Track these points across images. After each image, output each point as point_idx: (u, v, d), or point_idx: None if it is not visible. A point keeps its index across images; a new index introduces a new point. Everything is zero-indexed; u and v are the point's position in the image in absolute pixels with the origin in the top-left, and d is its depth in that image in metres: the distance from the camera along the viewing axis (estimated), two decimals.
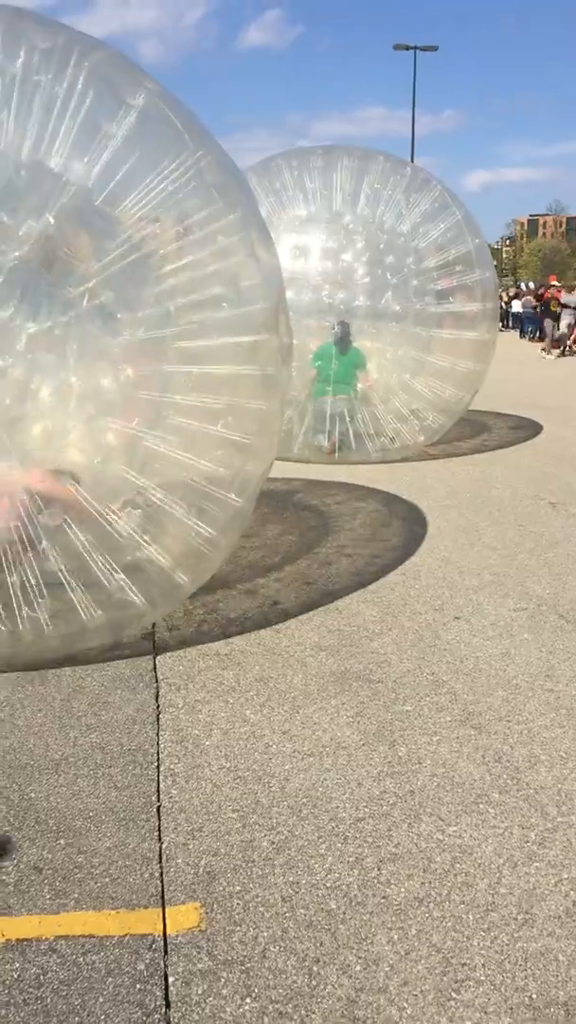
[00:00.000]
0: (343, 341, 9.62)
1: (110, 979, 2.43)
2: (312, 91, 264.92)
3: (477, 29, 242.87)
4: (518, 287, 47.08)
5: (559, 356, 23.51)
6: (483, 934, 2.59)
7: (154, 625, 4.87)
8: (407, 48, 38.34)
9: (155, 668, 4.38)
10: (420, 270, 9.58)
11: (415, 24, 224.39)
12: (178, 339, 4.15)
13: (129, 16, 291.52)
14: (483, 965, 2.47)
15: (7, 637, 4.11)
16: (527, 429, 11.57)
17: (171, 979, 2.43)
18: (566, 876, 2.83)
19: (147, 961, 2.49)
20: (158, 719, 3.89)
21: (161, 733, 3.77)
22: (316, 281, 9.64)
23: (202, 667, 4.40)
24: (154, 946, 2.55)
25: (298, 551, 6.33)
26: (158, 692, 4.14)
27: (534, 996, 2.37)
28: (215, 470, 4.25)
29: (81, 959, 2.50)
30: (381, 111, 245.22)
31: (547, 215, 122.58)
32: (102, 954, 2.52)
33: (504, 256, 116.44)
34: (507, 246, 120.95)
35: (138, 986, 2.40)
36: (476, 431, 11.47)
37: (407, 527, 6.92)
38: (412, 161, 39.64)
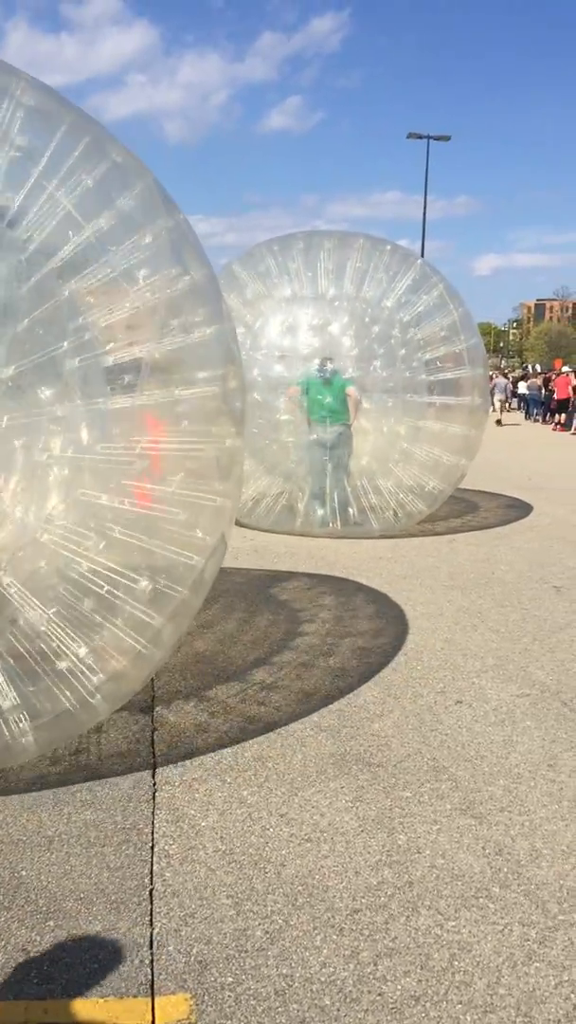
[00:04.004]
0: (323, 373, 9.75)
1: None
2: (329, 174, 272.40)
3: (492, 119, 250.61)
4: (524, 369, 47.87)
5: None
6: None
7: (152, 699, 4.84)
8: (420, 137, 39.39)
9: (152, 743, 4.33)
10: (406, 340, 9.76)
11: (433, 112, 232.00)
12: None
13: (157, 96, 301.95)
14: None
15: None
16: (526, 509, 11.60)
17: None
18: (566, 978, 2.75)
19: None
20: (154, 796, 3.83)
21: (157, 811, 3.71)
22: (306, 353, 9.86)
23: (199, 744, 4.35)
24: None
25: (300, 627, 6.31)
26: (155, 768, 4.08)
27: None
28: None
29: None
30: (396, 195, 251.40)
31: (554, 300, 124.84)
32: None
33: (511, 338, 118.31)
34: (514, 329, 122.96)
35: None
36: (479, 509, 11.51)
37: (410, 607, 6.90)
38: (423, 244, 40.53)
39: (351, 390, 9.69)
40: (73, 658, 3.70)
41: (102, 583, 3.73)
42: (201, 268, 4.21)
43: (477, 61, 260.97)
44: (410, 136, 39.33)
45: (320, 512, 9.79)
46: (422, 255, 24.81)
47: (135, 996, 2.64)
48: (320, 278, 9.88)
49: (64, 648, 3.70)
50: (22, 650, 3.71)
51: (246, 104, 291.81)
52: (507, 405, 33.90)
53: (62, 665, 3.70)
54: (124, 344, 3.81)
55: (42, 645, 3.70)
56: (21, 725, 3.71)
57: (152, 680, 5.10)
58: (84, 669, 3.73)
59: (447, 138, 40.35)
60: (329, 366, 9.71)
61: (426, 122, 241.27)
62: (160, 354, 3.89)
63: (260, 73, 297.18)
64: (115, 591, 3.76)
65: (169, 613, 3.93)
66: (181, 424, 3.96)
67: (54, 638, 3.69)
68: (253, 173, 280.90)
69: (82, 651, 3.71)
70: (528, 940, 2.93)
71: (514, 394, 37.86)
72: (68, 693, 3.75)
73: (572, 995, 2.68)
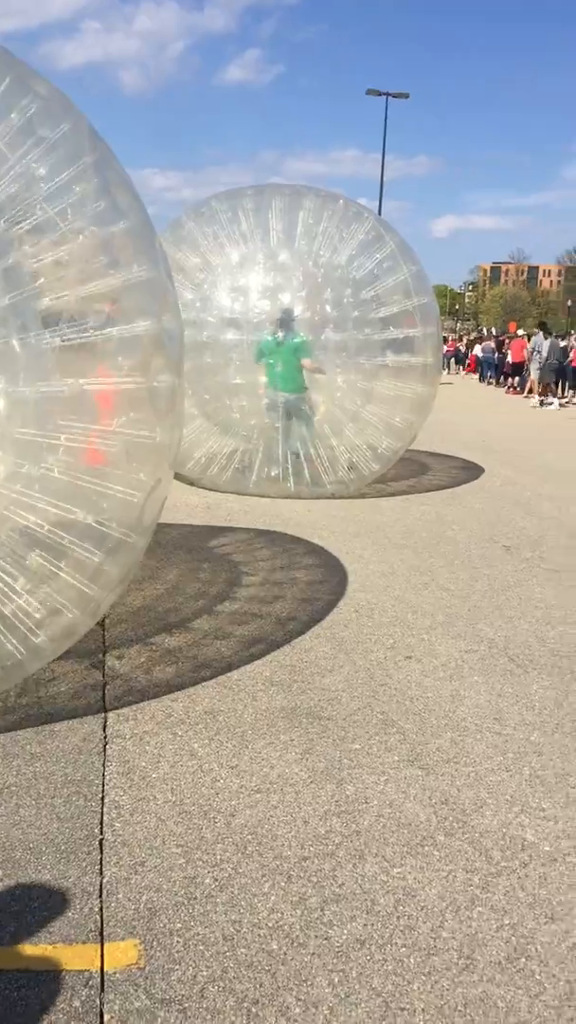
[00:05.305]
0: (284, 325, 9.50)
1: (44, 1016, 2.37)
2: (287, 130, 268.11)
3: (452, 80, 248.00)
4: (480, 332, 48.03)
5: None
6: (424, 978, 2.58)
7: (104, 652, 4.83)
8: (379, 94, 38.92)
9: (104, 697, 4.33)
10: (359, 301, 9.61)
11: (392, 71, 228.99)
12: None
13: (112, 44, 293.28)
14: (423, 1010, 2.45)
15: None
16: (478, 471, 11.71)
17: (106, 1017, 2.38)
18: (507, 922, 2.83)
19: (83, 998, 2.44)
20: (104, 749, 3.84)
21: (107, 764, 3.72)
22: (258, 320, 9.71)
23: (151, 697, 4.36)
24: (91, 983, 2.50)
25: (252, 585, 6.33)
26: (105, 721, 4.09)
27: None
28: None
29: (15, 994, 2.44)
30: (355, 153, 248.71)
31: (509, 263, 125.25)
32: (37, 989, 2.47)
33: (467, 301, 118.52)
34: (470, 291, 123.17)
35: (72, 1023, 2.35)
36: (432, 470, 11.60)
37: (362, 565, 6.95)
38: (381, 203, 40.17)
39: (307, 362, 9.56)
40: (13, 597, 3.71)
41: (41, 522, 3.72)
42: (133, 206, 4.14)
43: (439, 20, 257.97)
44: (369, 92, 38.82)
45: (274, 472, 9.77)
46: (379, 214, 24.58)
47: (84, 942, 2.66)
48: (271, 238, 9.63)
49: (5, 585, 3.70)
50: None
51: (204, 55, 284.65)
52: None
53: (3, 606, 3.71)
54: (55, 283, 3.76)
55: None
56: None
57: (102, 633, 5.10)
58: (27, 609, 3.74)
59: (406, 95, 39.90)
60: (282, 331, 9.46)
61: (386, 80, 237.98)
62: (93, 292, 3.85)
63: (219, 24, 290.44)
64: (56, 530, 3.77)
65: (109, 550, 3.93)
66: (116, 360, 3.94)
67: None
68: (211, 127, 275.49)
69: (22, 588, 3.72)
70: (471, 886, 3.00)
71: (465, 356, 38.05)
72: (11, 634, 3.75)
73: (512, 938, 2.76)
